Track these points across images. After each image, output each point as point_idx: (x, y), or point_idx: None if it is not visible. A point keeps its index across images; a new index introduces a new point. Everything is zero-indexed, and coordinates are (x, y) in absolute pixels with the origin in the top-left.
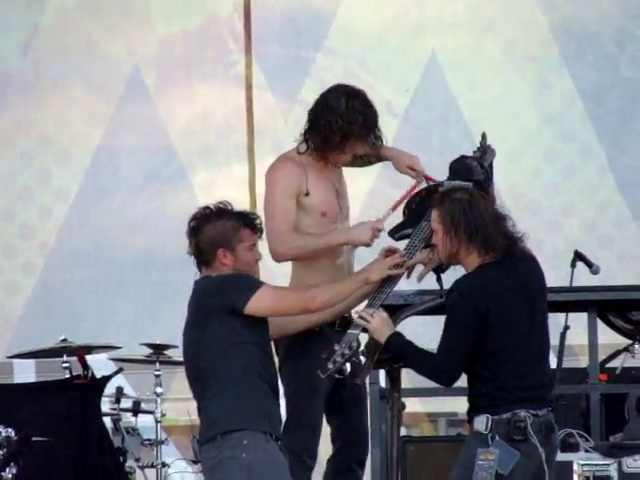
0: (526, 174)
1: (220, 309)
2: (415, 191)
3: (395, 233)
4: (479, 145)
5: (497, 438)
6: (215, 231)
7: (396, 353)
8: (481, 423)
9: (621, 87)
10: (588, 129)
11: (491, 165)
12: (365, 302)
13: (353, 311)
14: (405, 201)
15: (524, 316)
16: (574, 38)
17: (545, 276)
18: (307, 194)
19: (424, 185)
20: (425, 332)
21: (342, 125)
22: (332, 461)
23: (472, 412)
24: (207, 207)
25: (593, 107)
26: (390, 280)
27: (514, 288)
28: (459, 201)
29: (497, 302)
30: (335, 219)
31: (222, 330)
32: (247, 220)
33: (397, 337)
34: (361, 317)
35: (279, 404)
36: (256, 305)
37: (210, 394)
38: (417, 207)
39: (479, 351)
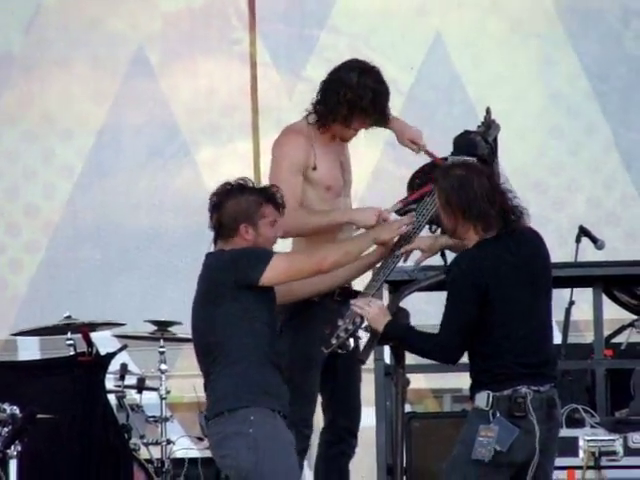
0: (531, 152)
1: (234, 285)
2: (425, 191)
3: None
4: (483, 120)
5: (498, 415)
6: (238, 206)
7: (397, 340)
8: (482, 400)
9: (626, 63)
10: (593, 106)
11: (495, 140)
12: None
13: (358, 279)
14: (415, 198)
15: (525, 292)
16: (578, 15)
17: (551, 254)
18: (315, 168)
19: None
20: (428, 309)
21: (351, 98)
22: (324, 432)
23: (474, 389)
24: (228, 183)
25: (598, 84)
26: (394, 256)
27: (515, 264)
28: (451, 178)
29: (496, 277)
30: (339, 193)
31: (235, 307)
32: (269, 196)
33: (395, 324)
34: (358, 306)
35: (285, 382)
36: (271, 274)
37: (218, 370)
38: (421, 183)
39: (479, 327)
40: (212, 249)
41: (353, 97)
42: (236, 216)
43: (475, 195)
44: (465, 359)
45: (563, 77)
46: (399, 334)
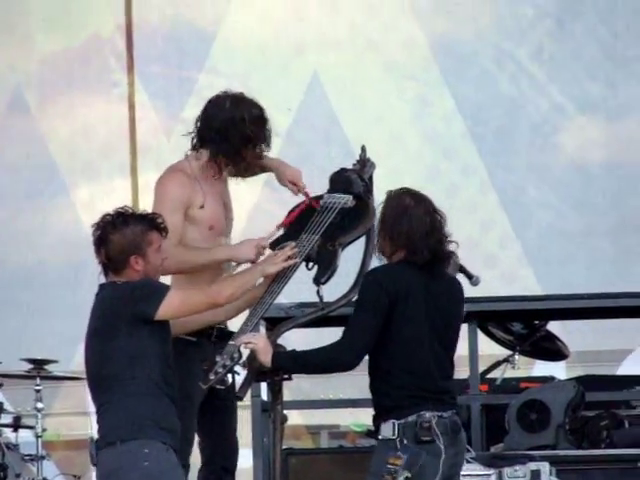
0: None
1: (130, 319)
2: (300, 210)
3: (276, 245)
4: (358, 158)
5: (405, 442)
6: (125, 239)
7: (289, 366)
8: (388, 429)
9: (501, 105)
10: (469, 147)
11: (371, 178)
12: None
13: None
14: (292, 219)
15: (432, 318)
16: (453, 56)
17: None
18: (202, 207)
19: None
20: (305, 347)
21: (245, 132)
22: (202, 470)
23: (378, 419)
24: (108, 214)
25: (473, 125)
26: (271, 292)
27: (429, 288)
28: (396, 201)
29: (408, 289)
30: (221, 232)
31: (129, 340)
32: (152, 222)
33: (281, 353)
34: (244, 341)
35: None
36: (166, 310)
37: (113, 401)
38: (297, 220)
39: (385, 342)
40: (101, 281)
41: (248, 132)
42: (124, 249)
43: (410, 227)
44: (343, 394)
45: (439, 118)
46: (290, 360)
